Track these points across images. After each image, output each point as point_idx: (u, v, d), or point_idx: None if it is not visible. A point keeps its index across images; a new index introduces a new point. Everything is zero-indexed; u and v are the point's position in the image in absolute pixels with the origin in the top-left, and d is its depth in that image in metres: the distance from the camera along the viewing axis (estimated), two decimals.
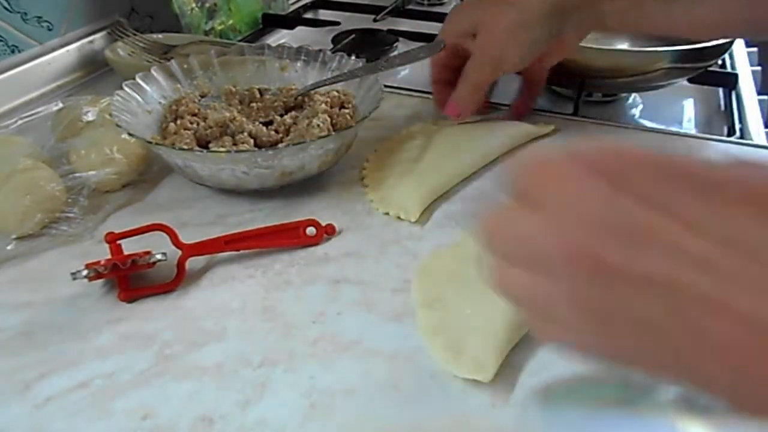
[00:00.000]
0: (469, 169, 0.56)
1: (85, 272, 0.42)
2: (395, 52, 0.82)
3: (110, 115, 0.52)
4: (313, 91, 0.59)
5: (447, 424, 0.35)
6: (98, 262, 0.42)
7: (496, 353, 0.37)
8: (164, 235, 0.44)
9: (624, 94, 0.73)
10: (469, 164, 0.56)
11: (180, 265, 0.44)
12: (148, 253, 0.43)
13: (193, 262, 0.45)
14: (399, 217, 0.50)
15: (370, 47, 0.82)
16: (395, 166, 0.56)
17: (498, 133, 0.60)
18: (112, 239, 0.43)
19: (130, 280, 0.43)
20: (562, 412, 0.36)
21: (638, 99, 0.74)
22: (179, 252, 0.45)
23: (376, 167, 0.56)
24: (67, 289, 0.44)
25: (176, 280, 0.44)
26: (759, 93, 0.73)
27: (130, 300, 0.43)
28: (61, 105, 0.58)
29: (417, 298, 0.42)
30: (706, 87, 0.74)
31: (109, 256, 0.43)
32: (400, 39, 0.84)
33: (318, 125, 0.53)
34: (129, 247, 0.44)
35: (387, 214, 0.51)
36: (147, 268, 0.43)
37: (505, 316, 0.38)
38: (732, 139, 0.64)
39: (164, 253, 0.44)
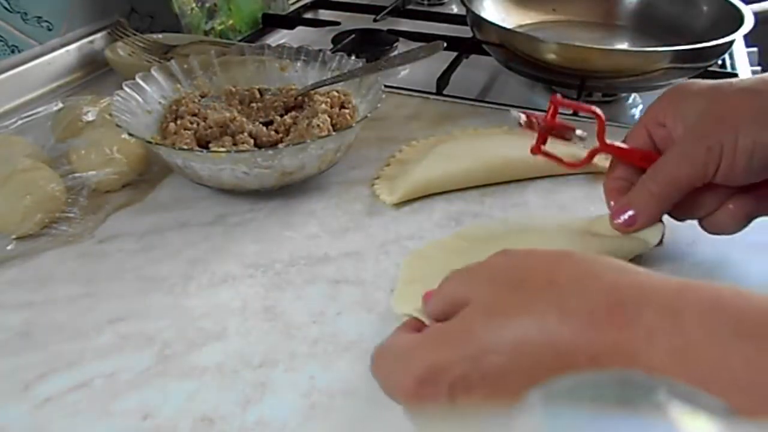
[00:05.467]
0: (468, 177, 0.55)
1: (523, 118, 0.59)
2: (395, 52, 0.82)
3: (110, 115, 0.52)
4: (313, 91, 0.59)
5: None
6: (536, 116, 0.58)
7: None
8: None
9: (624, 94, 0.73)
10: (468, 172, 0.55)
11: (590, 154, 0.45)
12: (572, 128, 0.56)
13: (194, 261, 0.46)
14: (379, 197, 0.53)
15: (370, 47, 0.82)
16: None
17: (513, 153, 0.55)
18: (556, 103, 0.45)
19: (546, 140, 0.46)
20: (562, 412, 0.36)
21: (638, 99, 0.74)
22: (595, 144, 0.45)
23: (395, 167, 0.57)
24: (67, 289, 0.44)
25: (580, 164, 0.46)
26: None
27: (537, 154, 0.46)
28: (61, 105, 0.58)
29: (401, 276, 0.42)
30: None
31: (548, 116, 0.46)
32: (400, 39, 0.84)
33: (318, 125, 0.53)
34: None
35: (376, 196, 0.53)
36: (563, 138, 0.55)
37: None
38: None
39: (583, 138, 0.57)
